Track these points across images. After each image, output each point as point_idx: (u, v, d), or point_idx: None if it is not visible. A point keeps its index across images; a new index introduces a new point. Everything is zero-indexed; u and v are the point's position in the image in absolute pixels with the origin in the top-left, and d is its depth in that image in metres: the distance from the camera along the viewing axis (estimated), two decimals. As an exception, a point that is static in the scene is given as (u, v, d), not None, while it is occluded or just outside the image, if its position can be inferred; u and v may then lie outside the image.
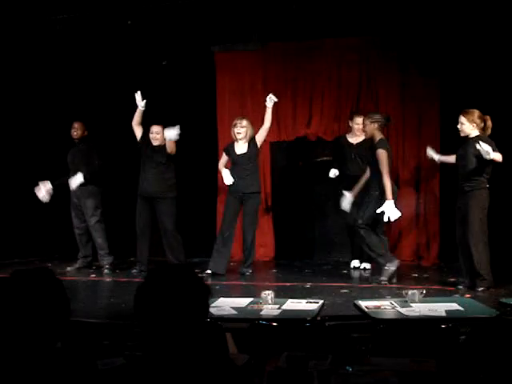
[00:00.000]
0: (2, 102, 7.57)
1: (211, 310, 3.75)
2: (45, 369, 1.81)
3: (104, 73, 7.72)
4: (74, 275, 6.62)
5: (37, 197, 6.92)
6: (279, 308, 4.33)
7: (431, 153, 6.12)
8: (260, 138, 6.54)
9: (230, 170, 6.55)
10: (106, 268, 6.78)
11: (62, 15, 6.71)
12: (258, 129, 6.55)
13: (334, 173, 6.84)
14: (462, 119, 5.46)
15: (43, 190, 6.78)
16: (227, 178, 6.49)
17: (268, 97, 6.41)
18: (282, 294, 5.17)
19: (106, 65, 7.67)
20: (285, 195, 7.72)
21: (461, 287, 5.49)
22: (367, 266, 6.78)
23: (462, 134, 5.52)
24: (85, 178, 6.76)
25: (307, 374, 2.46)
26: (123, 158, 7.53)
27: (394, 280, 5.86)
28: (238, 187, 6.46)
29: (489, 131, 5.45)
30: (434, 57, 7.04)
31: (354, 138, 6.85)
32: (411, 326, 3.89)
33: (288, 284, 5.89)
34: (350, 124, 6.91)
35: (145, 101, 6.55)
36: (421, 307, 4.23)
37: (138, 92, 6.58)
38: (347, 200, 6.23)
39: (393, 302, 4.44)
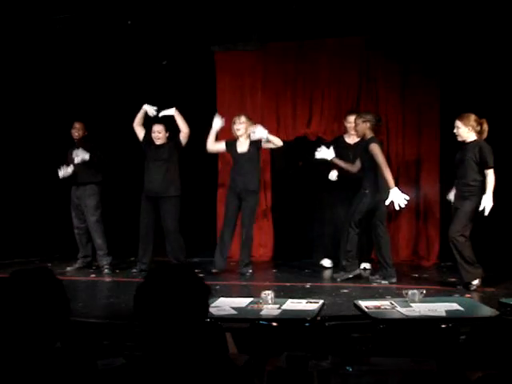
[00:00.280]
0: (1, 102, 7.57)
1: (211, 310, 3.75)
2: (45, 369, 1.81)
3: (104, 73, 7.72)
4: (74, 275, 6.62)
5: (37, 197, 6.92)
6: (279, 308, 4.32)
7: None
8: (267, 145, 6.60)
9: (232, 167, 6.63)
10: (106, 268, 6.77)
11: (62, 15, 6.71)
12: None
13: (334, 175, 6.83)
14: (458, 123, 5.47)
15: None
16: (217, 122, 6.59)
17: (251, 133, 6.43)
18: (281, 294, 5.17)
19: (106, 65, 7.67)
20: (285, 195, 7.72)
21: (461, 287, 5.49)
22: (367, 265, 6.79)
23: (459, 139, 5.52)
24: (92, 161, 6.75)
25: (307, 373, 2.46)
26: (123, 158, 7.53)
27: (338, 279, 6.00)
28: (237, 184, 6.49)
29: (485, 135, 5.45)
30: (434, 57, 7.04)
31: (351, 138, 6.84)
32: (411, 325, 3.89)
33: (288, 284, 5.89)
34: (345, 124, 6.90)
35: (155, 112, 6.65)
36: (421, 307, 4.22)
37: (149, 106, 6.67)
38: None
39: (393, 302, 4.43)
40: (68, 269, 6.82)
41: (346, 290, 5.48)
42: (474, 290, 5.31)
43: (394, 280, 5.90)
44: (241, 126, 6.50)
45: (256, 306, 4.39)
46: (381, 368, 2.53)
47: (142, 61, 7.59)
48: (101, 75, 7.73)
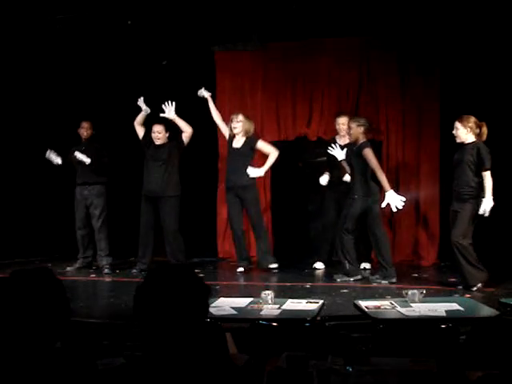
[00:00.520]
0: (3, 102, 7.57)
1: (211, 309, 3.75)
2: (45, 369, 1.81)
3: (104, 73, 7.72)
4: (74, 275, 6.61)
5: (37, 197, 6.91)
6: (279, 308, 4.33)
7: None
8: (261, 149, 6.64)
9: (226, 163, 6.76)
10: (106, 268, 6.77)
11: (62, 15, 6.71)
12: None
13: (325, 179, 6.79)
14: (457, 125, 5.48)
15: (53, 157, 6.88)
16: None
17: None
18: (282, 294, 5.17)
19: (106, 65, 7.67)
20: (284, 195, 7.72)
21: (461, 287, 5.49)
22: (367, 265, 6.79)
23: (457, 140, 5.53)
24: (95, 170, 6.78)
25: (307, 373, 2.46)
26: (123, 158, 7.53)
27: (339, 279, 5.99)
28: (232, 181, 6.59)
29: (484, 137, 5.46)
30: (433, 57, 7.05)
31: (342, 140, 6.80)
32: (411, 325, 3.88)
33: (288, 284, 5.89)
34: (335, 125, 6.85)
35: (148, 110, 6.66)
36: (421, 307, 4.23)
37: (141, 98, 6.66)
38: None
39: (393, 302, 4.44)
40: (68, 269, 6.82)
41: (345, 290, 5.48)
42: (475, 291, 5.30)
43: (394, 280, 5.90)
44: (238, 124, 6.60)
45: (256, 305, 4.39)
46: (381, 368, 2.53)
47: (142, 61, 7.59)
48: (101, 75, 7.73)
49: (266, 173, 6.96)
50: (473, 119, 5.44)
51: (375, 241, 6.02)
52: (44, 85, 7.78)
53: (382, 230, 6.09)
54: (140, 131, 6.76)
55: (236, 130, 6.61)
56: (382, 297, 4.99)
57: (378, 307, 4.31)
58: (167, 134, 6.69)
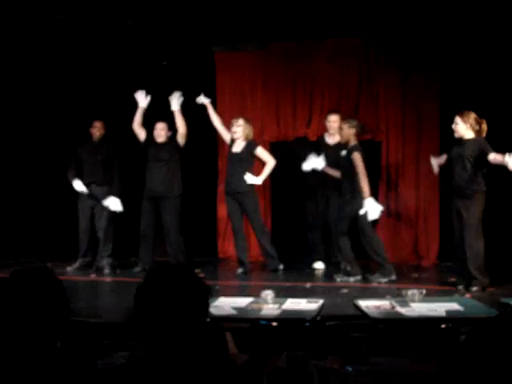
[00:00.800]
0: (2, 104, 7.57)
1: (211, 309, 3.75)
2: (45, 369, 1.81)
3: (103, 73, 7.72)
4: (74, 275, 6.61)
5: (37, 197, 6.89)
6: (279, 308, 4.33)
7: (434, 163, 5.98)
8: (259, 156, 6.63)
9: (226, 166, 6.73)
10: (106, 268, 6.77)
11: (62, 15, 6.70)
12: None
13: (308, 166, 6.72)
14: (458, 119, 5.47)
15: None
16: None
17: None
18: (281, 294, 5.16)
19: (106, 65, 7.67)
20: (284, 195, 7.71)
21: (461, 287, 5.48)
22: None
23: (456, 135, 5.52)
24: (105, 171, 6.81)
25: (307, 373, 2.46)
26: (123, 158, 7.52)
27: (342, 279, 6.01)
28: (231, 185, 6.57)
29: (483, 135, 5.45)
30: (433, 57, 7.05)
31: (332, 138, 6.79)
32: (411, 325, 3.89)
33: (288, 284, 5.89)
34: (326, 123, 6.84)
35: (149, 98, 6.63)
36: (421, 307, 4.23)
37: (142, 91, 6.64)
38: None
39: (393, 302, 4.44)
40: (68, 269, 6.79)
41: (346, 290, 5.47)
42: (475, 291, 5.30)
43: (393, 277, 5.89)
44: (238, 128, 6.55)
45: (256, 306, 4.39)
46: (381, 368, 2.53)
47: (142, 61, 7.59)
48: (100, 75, 7.72)
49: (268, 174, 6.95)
50: (473, 115, 5.43)
51: (368, 243, 6.00)
52: (42, 85, 7.77)
53: (372, 230, 6.11)
54: (141, 133, 6.74)
55: (236, 134, 6.56)
56: (382, 297, 4.99)
57: (378, 307, 4.31)
58: (169, 134, 6.69)
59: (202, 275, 5.90)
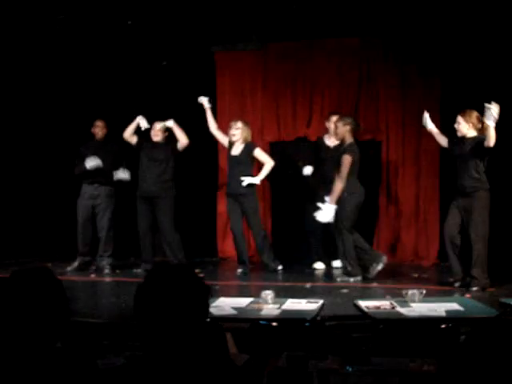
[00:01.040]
0: (1, 104, 7.58)
1: (211, 309, 3.75)
2: (45, 369, 1.81)
3: (103, 73, 7.72)
4: (74, 275, 6.60)
5: (37, 197, 6.87)
6: (279, 308, 4.33)
7: (427, 120, 5.94)
8: (257, 157, 6.62)
9: (227, 169, 6.70)
10: (106, 268, 6.76)
11: (62, 15, 6.71)
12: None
13: (309, 170, 6.80)
14: (459, 119, 5.48)
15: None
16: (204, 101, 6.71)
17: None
18: (281, 294, 5.16)
19: (106, 65, 7.67)
20: (284, 195, 7.72)
21: (457, 285, 5.49)
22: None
23: (458, 134, 5.54)
24: (109, 171, 6.76)
25: (307, 373, 2.46)
26: (122, 157, 7.52)
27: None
28: (232, 187, 6.56)
29: (485, 133, 5.45)
30: (434, 57, 7.05)
31: (331, 140, 6.77)
32: (411, 325, 3.89)
33: (288, 284, 5.89)
34: (327, 124, 6.82)
35: (148, 126, 6.63)
36: (421, 307, 4.23)
37: (143, 119, 6.62)
38: (330, 209, 5.99)
39: (393, 302, 4.44)
40: (68, 269, 6.75)
41: (346, 290, 5.47)
42: (475, 291, 5.30)
43: (359, 278, 5.95)
44: (237, 131, 6.54)
45: (256, 306, 4.40)
46: (381, 368, 2.53)
47: (142, 61, 7.59)
48: (100, 75, 7.72)
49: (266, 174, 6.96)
50: (475, 114, 5.44)
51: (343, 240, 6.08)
52: (42, 85, 7.77)
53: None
54: (133, 139, 6.71)
55: (235, 137, 6.54)
56: (381, 297, 4.99)
57: (378, 307, 4.31)
58: (166, 134, 6.70)
59: (201, 275, 5.90)
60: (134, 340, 3.65)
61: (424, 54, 7.07)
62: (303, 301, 4.59)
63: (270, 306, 4.37)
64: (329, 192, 6.32)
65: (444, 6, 6.54)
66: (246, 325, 3.49)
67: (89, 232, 6.89)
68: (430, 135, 7.11)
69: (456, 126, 5.50)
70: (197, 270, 6.12)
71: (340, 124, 6.09)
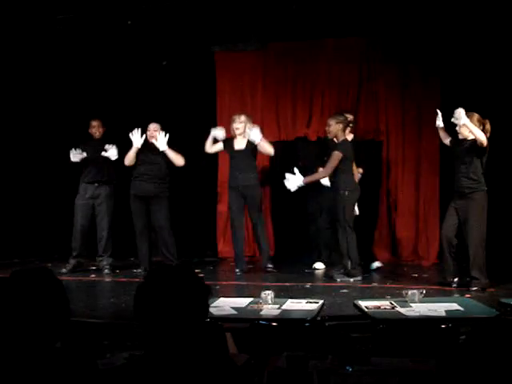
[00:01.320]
0: (2, 103, 7.57)
1: (211, 309, 3.75)
2: (45, 369, 1.81)
3: (103, 73, 7.72)
4: (74, 275, 6.59)
5: (36, 197, 6.85)
6: (279, 308, 4.32)
7: (439, 118, 5.88)
8: (261, 145, 6.60)
9: (229, 164, 6.70)
10: (106, 268, 6.75)
11: (62, 15, 6.71)
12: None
13: (327, 181, 6.66)
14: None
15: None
16: (219, 133, 6.65)
17: (252, 135, 6.46)
18: (281, 294, 5.16)
19: (106, 65, 7.67)
20: (285, 195, 7.70)
21: (454, 285, 5.50)
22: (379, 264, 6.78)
23: (460, 136, 5.55)
24: (109, 169, 6.74)
25: (307, 373, 2.46)
26: (120, 157, 7.51)
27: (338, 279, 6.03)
28: (237, 181, 6.56)
29: (487, 135, 5.45)
30: (434, 57, 7.05)
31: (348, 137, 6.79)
32: (411, 325, 3.89)
33: (288, 284, 5.88)
34: None
35: (143, 137, 6.56)
36: (421, 307, 4.22)
37: (138, 130, 6.54)
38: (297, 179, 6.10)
39: (393, 302, 4.43)
40: (64, 270, 6.60)
41: (345, 290, 5.48)
42: (475, 291, 5.30)
43: (359, 277, 6.01)
44: (240, 125, 6.55)
45: (256, 306, 4.39)
46: (381, 368, 2.53)
47: (142, 61, 7.59)
48: (100, 75, 7.72)
49: (266, 172, 6.94)
50: (476, 116, 5.44)
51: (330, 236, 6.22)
52: (42, 85, 7.77)
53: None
54: (133, 161, 6.67)
55: (238, 130, 6.56)
56: (381, 297, 4.99)
57: (378, 307, 4.30)
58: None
59: (201, 275, 5.90)
60: (134, 340, 3.65)
61: (424, 54, 7.08)
62: (303, 301, 4.58)
63: (269, 305, 4.36)
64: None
65: (444, 6, 6.55)
66: (245, 325, 3.49)
67: (85, 232, 6.82)
68: (430, 135, 7.14)
69: (458, 128, 5.51)
70: (197, 270, 6.12)
71: (333, 122, 6.11)
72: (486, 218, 5.41)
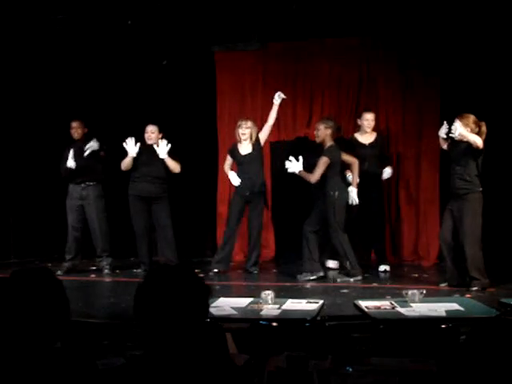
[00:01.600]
0: (1, 103, 7.57)
1: (211, 310, 3.75)
2: (45, 369, 1.81)
3: (104, 73, 7.71)
4: (74, 275, 6.58)
5: (36, 197, 6.84)
6: (279, 308, 4.33)
7: (443, 129, 5.92)
8: (263, 135, 6.67)
9: (236, 170, 6.64)
10: (106, 268, 6.75)
11: (61, 15, 6.71)
12: (259, 129, 6.65)
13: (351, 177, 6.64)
14: (458, 123, 5.48)
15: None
16: (234, 180, 6.57)
17: (277, 94, 6.53)
18: (282, 294, 5.17)
19: (106, 65, 7.66)
20: (285, 195, 7.71)
21: (444, 284, 5.51)
22: (387, 268, 6.73)
23: (456, 138, 5.54)
24: (94, 168, 6.72)
25: (307, 373, 2.46)
26: (120, 157, 7.51)
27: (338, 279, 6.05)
28: (246, 187, 6.54)
29: (483, 137, 5.46)
30: (434, 57, 7.05)
31: (364, 137, 6.74)
32: (411, 326, 3.89)
33: (288, 284, 5.89)
34: (359, 122, 6.77)
35: (138, 145, 6.53)
36: (421, 307, 4.23)
37: (132, 139, 6.52)
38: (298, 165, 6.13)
39: (393, 302, 4.44)
40: (59, 272, 6.44)
41: (346, 290, 5.48)
42: (475, 291, 5.30)
43: (359, 277, 6.00)
44: (247, 130, 6.57)
45: (256, 305, 4.40)
46: (381, 368, 2.53)
47: (142, 61, 7.59)
48: (100, 75, 7.72)
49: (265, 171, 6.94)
50: (472, 118, 5.45)
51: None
52: (43, 85, 7.76)
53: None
54: (129, 167, 6.66)
55: (245, 136, 6.56)
56: (381, 297, 4.99)
57: (378, 307, 4.31)
58: (160, 135, 6.66)
59: (201, 275, 5.90)
60: (133, 340, 3.65)
61: (424, 54, 7.07)
62: (303, 301, 4.59)
63: (269, 305, 4.37)
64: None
65: (444, 6, 6.54)
66: (245, 325, 3.49)
67: (80, 234, 6.78)
68: (429, 135, 7.13)
69: (453, 128, 5.51)
70: (197, 270, 6.12)
71: (322, 127, 6.15)
72: (480, 219, 5.41)
